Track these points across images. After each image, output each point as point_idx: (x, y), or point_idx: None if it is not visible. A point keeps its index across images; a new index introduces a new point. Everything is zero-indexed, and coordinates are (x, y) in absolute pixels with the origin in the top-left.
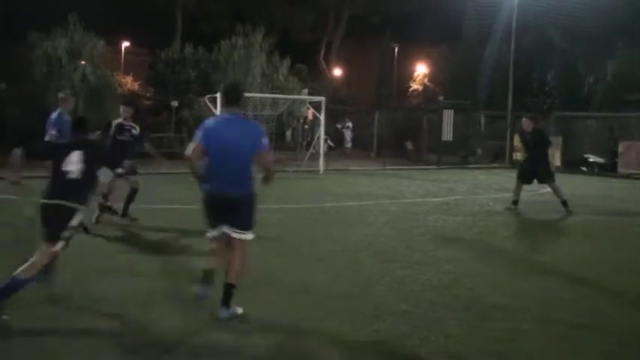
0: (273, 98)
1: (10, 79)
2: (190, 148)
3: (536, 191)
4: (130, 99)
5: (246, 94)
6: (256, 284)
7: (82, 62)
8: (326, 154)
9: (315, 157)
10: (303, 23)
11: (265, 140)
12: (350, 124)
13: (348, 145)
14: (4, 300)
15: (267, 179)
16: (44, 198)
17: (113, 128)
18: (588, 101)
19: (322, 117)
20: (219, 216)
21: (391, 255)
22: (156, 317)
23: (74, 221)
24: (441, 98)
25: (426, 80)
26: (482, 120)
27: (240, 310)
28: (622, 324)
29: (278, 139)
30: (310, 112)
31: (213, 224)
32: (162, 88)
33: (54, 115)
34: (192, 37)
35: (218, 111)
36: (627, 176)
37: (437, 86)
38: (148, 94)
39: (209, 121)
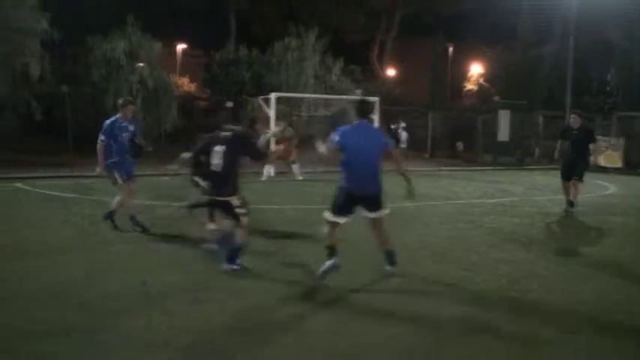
0: (327, 99)
1: (71, 82)
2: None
3: (596, 193)
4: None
5: (300, 95)
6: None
7: (140, 64)
8: None
9: None
10: (356, 23)
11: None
12: (404, 125)
13: (404, 145)
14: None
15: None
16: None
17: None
18: None
19: (376, 118)
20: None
21: (447, 256)
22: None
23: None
24: (496, 98)
25: (481, 80)
26: (541, 120)
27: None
28: None
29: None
30: None
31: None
32: (217, 90)
33: (109, 121)
34: (245, 39)
35: (272, 112)
36: None
37: (492, 86)
38: (203, 96)
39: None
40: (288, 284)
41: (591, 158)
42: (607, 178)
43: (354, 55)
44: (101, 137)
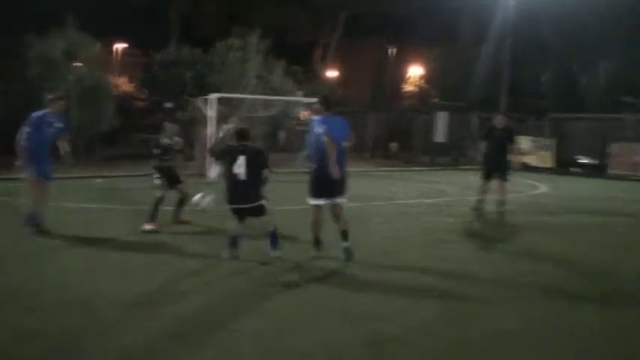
0: (267, 100)
1: (4, 79)
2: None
3: (526, 192)
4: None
5: (242, 96)
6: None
7: (78, 64)
8: None
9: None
10: (299, 24)
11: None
12: None
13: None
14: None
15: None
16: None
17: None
18: (582, 103)
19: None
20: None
21: (385, 256)
22: None
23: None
24: (435, 100)
25: (420, 82)
26: (476, 121)
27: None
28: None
29: (272, 141)
30: (305, 114)
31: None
32: (157, 90)
33: (37, 114)
34: (187, 39)
35: (210, 112)
36: (617, 177)
37: (431, 88)
38: (142, 96)
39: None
40: (228, 286)
41: (510, 157)
42: (538, 178)
43: (297, 56)
44: (27, 129)
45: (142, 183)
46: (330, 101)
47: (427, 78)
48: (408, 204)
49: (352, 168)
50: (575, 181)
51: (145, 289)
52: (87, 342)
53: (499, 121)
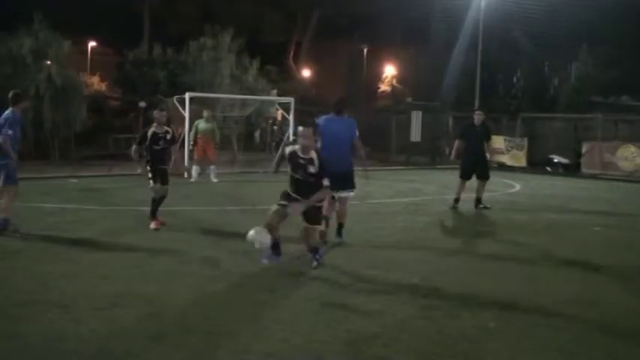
0: (242, 99)
1: None
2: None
3: (502, 191)
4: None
5: (216, 95)
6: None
7: (48, 62)
8: None
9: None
10: (272, 24)
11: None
12: None
13: (318, 145)
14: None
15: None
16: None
17: (149, 139)
18: (554, 103)
19: (291, 118)
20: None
21: (361, 255)
22: None
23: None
24: (409, 100)
25: (394, 82)
26: (450, 121)
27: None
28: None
29: (247, 140)
30: (279, 113)
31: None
32: (130, 89)
33: (9, 114)
34: (160, 38)
35: (186, 112)
36: (590, 176)
37: (405, 88)
38: (115, 95)
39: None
40: (199, 287)
41: (487, 154)
42: (513, 177)
43: (271, 56)
44: (8, 131)
45: (118, 183)
46: (339, 104)
47: (400, 78)
48: (384, 203)
49: None
50: (549, 180)
51: (123, 290)
52: (64, 343)
53: (478, 117)
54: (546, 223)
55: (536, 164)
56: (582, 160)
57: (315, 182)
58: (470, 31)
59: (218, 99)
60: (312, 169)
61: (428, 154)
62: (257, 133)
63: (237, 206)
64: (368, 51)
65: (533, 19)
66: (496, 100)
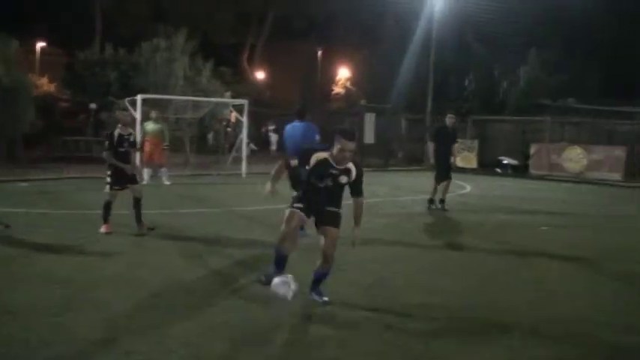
0: (195, 101)
1: None
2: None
3: (455, 192)
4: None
5: (169, 97)
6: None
7: None
8: (249, 158)
9: (238, 160)
10: (226, 25)
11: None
12: (273, 127)
13: (273, 147)
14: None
15: None
16: None
17: (115, 140)
18: (503, 106)
19: (245, 120)
20: None
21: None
22: None
23: None
24: (363, 102)
25: (348, 84)
26: (403, 123)
27: None
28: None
29: (200, 143)
30: (233, 115)
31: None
32: (80, 91)
33: None
34: (112, 38)
35: (138, 114)
36: (538, 177)
37: (359, 90)
38: (64, 97)
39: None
40: (150, 291)
41: (452, 157)
42: (464, 178)
43: (225, 57)
44: None
45: (69, 186)
46: (301, 110)
47: (354, 80)
48: None
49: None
50: (499, 181)
51: (73, 295)
52: (14, 349)
53: (451, 121)
54: (496, 223)
55: (487, 166)
56: (530, 162)
57: (340, 191)
58: (423, 35)
59: (170, 101)
60: (344, 180)
61: (381, 157)
62: (210, 135)
63: (191, 209)
64: (322, 53)
65: (484, 23)
66: (448, 102)
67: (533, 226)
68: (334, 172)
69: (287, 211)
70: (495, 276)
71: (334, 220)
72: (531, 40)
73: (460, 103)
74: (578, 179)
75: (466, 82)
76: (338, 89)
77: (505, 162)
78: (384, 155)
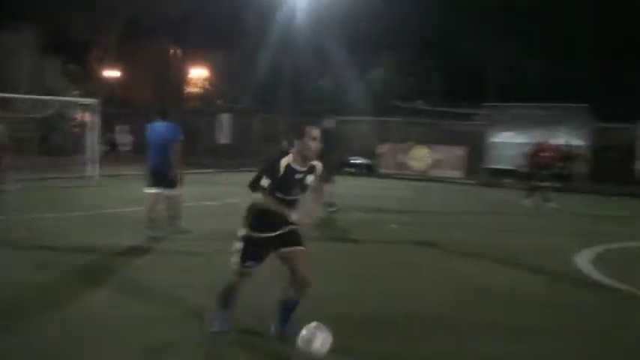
0: (38, 99)
1: None
2: None
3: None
4: None
5: (12, 95)
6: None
7: None
8: (100, 159)
9: (88, 161)
10: (77, 21)
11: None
12: (127, 127)
13: (127, 148)
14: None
15: None
16: None
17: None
18: (357, 106)
19: (97, 120)
20: None
21: (168, 257)
22: None
23: None
24: (219, 102)
25: (205, 84)
26: (259, 124)
27: None
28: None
29: (45, 143)
30: (82, 115)
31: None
32: None
33: None
34: None
35: None
36: (387, 176)
37: (216, 90)
38: None
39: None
40: (40, 277)
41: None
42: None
43: (76, 55)
44: None
45: None
46: (163, 110)
47: (211, 80)
48: (193, 206)
49: (134, 172)
50: (349, 180)
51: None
52: None
53: (331, 123)
54: (352, 221)
55: (340, 165)
56: (379, 161)
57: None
58: (279, 36)
59: (15, 99)
60: (310, 180)
61: (237, 158)
62: (56, 136)
63: (43, 214)
64: (177, 52)
65: (340, 25)
66: (303, 103)
67: (383, 224)
68: (299, 176)
69: (234, 266)
70: (331, 273)
71: (299, 238)
72: (384, 42)
73: (315, 103)
74: (423, 177)
75: (321, 83)
76: (192, 89)
77: (358, 162)
78: (239, 155)
